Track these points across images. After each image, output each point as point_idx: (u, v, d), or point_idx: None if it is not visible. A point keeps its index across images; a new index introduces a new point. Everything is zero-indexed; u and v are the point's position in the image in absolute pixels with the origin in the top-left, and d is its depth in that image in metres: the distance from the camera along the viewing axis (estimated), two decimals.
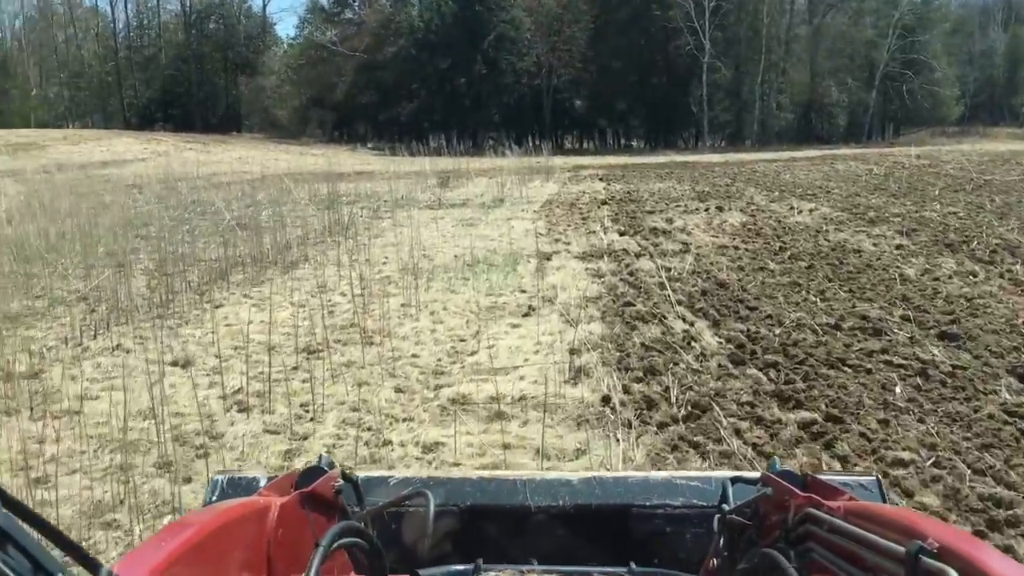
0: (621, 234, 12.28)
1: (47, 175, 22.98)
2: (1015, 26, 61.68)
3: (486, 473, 1.92)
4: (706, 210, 14.84)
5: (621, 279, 8.91)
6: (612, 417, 4.81)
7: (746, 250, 10.55)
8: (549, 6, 51.91)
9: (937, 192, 16.74)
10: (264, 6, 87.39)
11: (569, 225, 13.46)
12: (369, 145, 52.89)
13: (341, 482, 1.46)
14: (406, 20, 52.66)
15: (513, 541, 1.69)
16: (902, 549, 0.89)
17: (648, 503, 1.72)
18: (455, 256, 10.56)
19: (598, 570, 1.55)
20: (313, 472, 1.43)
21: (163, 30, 63.47)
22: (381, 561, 1.30)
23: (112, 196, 18.25)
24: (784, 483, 1.31)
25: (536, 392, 5.17)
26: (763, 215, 13.99)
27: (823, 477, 1.35)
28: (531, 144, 29.39)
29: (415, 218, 14.60)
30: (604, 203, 16.65)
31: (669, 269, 9.27)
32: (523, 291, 8.48)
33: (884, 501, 1.58)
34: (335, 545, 1.16)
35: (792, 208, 14.86)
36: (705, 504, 1.67)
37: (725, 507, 1.43)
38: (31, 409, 5.13)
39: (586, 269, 9.66)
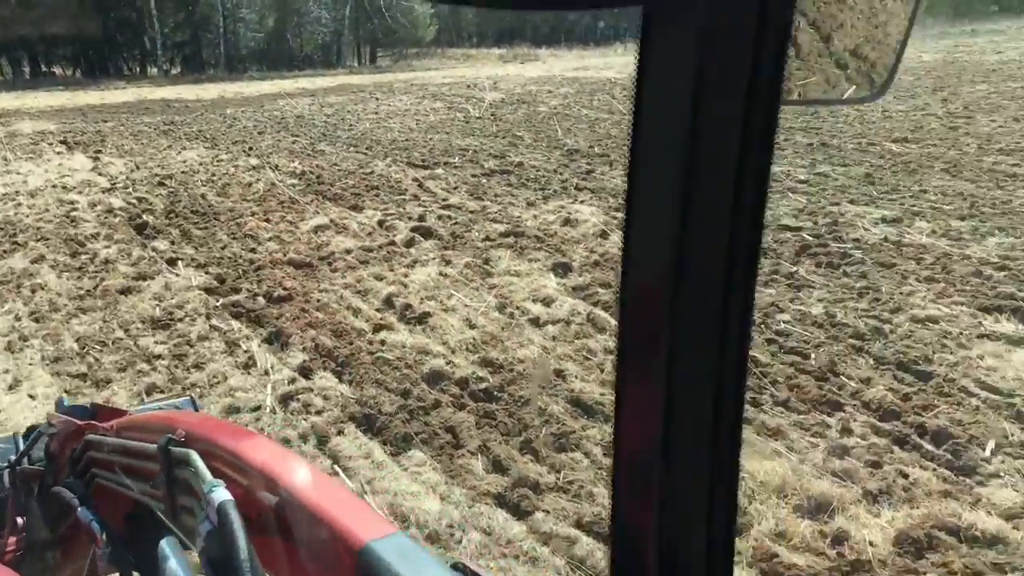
0: None
1: None
2: None
3: None
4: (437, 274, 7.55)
5: None
6: None
7: None
8: None
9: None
10: None
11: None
12: None
13: None
14: None
15: None
16: (155, 446, 0.87)
17: None
18: None
19: None
20: None
21: None
22: None
23: None
24: (65, 417, 1.24)
25: None
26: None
27: (145, 406, 1.47)
28: None
29: None
30: (141, 229, 8.19)
31: None
32: None
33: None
34: None
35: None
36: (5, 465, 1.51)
37: (11, 459, 1.35)
38: None
39: None
